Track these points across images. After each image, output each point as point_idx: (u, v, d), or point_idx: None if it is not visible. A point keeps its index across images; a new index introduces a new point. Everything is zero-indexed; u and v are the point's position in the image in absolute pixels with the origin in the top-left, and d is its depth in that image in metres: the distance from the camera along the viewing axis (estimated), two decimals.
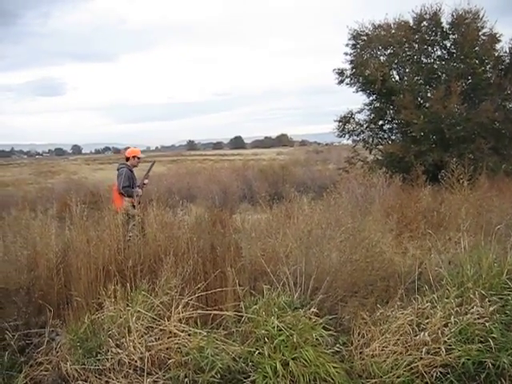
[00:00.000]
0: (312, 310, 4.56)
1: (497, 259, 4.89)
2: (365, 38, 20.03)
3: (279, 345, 4.29)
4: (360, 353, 4.47)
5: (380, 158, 19.87)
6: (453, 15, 19.12)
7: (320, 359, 4.23)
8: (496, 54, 18.94)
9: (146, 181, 9.28)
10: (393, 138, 20.42)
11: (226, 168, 28.20)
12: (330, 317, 4.84)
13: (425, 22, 19.54)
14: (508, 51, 18.99)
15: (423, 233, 5.92)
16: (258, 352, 4.28)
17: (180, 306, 4.62)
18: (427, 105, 18.29)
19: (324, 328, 4.60)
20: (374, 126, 20.22)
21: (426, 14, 19.45)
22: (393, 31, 19.59)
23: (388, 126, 20.50)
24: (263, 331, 4.38)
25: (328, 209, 11.25)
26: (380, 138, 20.55)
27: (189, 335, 4.43)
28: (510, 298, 4.53)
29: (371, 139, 20.23)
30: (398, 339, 4.46)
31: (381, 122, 20.32)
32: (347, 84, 20.08)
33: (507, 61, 19.06)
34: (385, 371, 4.26)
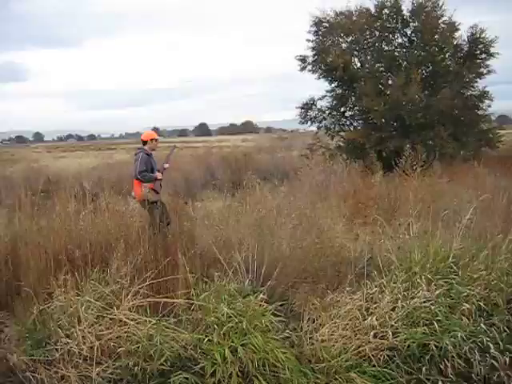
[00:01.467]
0: (261, 296, 4.57)
1: (443, 244, 4.98)
2: (327, 24, 20.05)
3: (228, 331, 4.30)
4: (310, 338, 4.51)
5: (342, 144, 20.00)
6: (413, 3, 19.30)
7: (269, 345, 4.26)
8: (455, 42, 19.18)
9: (166, 165, 8.72)
10: (355, 124, 20.55)
11: (188, 155, 27.91)
12: (281, 303, 4.87)
13: (386, 10, 19.64)
14: (467, 40, 19.25)
15: (375, 219, 5.99)
16: (207, 339, 4.28)
17: (130, 295, 4.59)
18: (388, 92, 18.43)
19: (274, 314, 4.64)
20: (335, 113, 20.33)
21: (386, 1, 19.55)
22: (354, 18, 19.65)
23: (350, 113, 20.61)
24: (213, 318, 4.38)
25: (282, 195, 11.36)
26: (342, 124, 20.65)
27: (138, 324, 4.40)
28: (454, 281, 4.62)
29: (333, 126, 20.32)
30: (347, 324, 4.52)
31: (343, 109, 20.42)
32: (309, 71, 20.09)
33: (466, 49, 19.32)
34: (333, 355, 4.32)
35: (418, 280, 4.60)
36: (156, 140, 8.64)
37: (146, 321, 4.42)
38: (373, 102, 17.74)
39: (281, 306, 4.90)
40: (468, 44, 19.26)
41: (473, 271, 4.64)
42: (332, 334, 4.48)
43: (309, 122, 20.35)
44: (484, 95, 19.44)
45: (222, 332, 4.28)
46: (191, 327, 4.54)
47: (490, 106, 19.56)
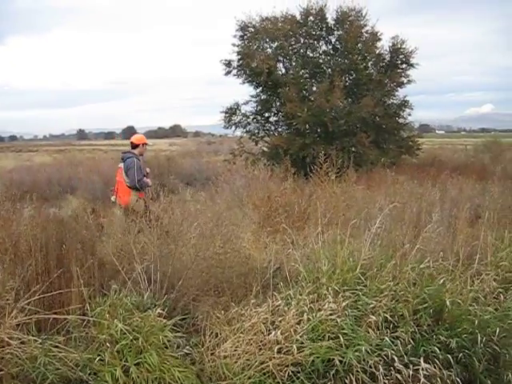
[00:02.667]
0: (159, 310, 4.27)
1: (351, 254, 4.86)
2: (252, 29, 20.01)
3: (122, 350, 3.98)
4: (211, 354, 4.25)
5: (266, 150, 19.96)
6: (337, 12, 19.62)
7: (166, 363, 3.97)
8: (377, 52, 19.62)
9: (148, 169, 8.36)
10: (279, 130, 20.56)
11: (110, 158, 27.17)
12: (182, 317, 4.59)
13: (311, 17, 19.86)
14: (388, 49, 19.72)
15: (285, 227, 5.83)
16: (98, 358, 3.94)
17: (15, 311, 4.17)
18: (312, 98, 18.55)
19: (175, 329, 4.35)
20: (260, 118, 20.30)
21: (312, 9, 19.75)
22: (280, 24, 19.70)
23: (274, 119, 20.66)
24: (105, 336, 4.04)
25: (202, 201, 11.11)
26: (267, 130, 20.66)
27: (22, 343, 4.00)
28: (361, 292, 4.48)
29: (257, 131, 20.26)
30: (252, 338, 4.28)
31: (267, 114, 20.44)
32: (234, 75, 19.99)
33: (388, 58, 19.80)
34: (236, 372, 4.07)
35: (325, 291, 4.44)
36: (146, 144, 8.28)
37: (30, 340, 4.02)
38: (296, 107, 17.81)
39: (183, 320, 4.62)
40: (389, 54, 19.75)
41: (380, 282, 4.53)
42: (235, 350, 4.23)
43: (233, 127, 20.19)
44: (404, 104, 20.00)
45: (115, 350, 3.95)
46: (83, 346, 4.18)
47: (410, 115, 20.17)
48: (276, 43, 19.66)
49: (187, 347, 4.26)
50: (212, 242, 5.13)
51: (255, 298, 4.68)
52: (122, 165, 7.89)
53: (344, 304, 4.32)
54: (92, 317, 4.26)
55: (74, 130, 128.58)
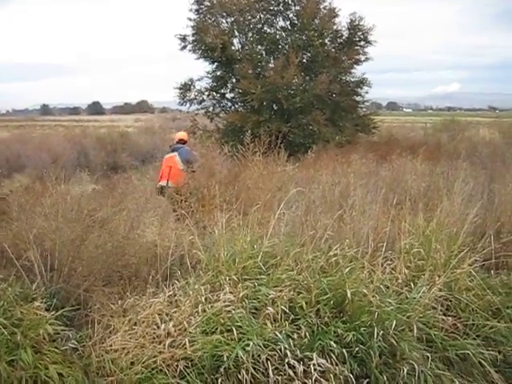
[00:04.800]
0: (37, 303, 3.97)
1: (256, 241, 4.62)
2: (208, 3, 19.47)
3: None
4: (100, 348, 3.99)
5: (221, 127, 19.60)
6: None
7: (44, 360, 3.70)
8: (334, 28, 19.31)
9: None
10: (236, 106, 20.19)
11: (62, 136, 26.47)
12: (73, 308, 4.30)
13: None
14: (346, 26, 19.43)
15: (193, 211, 5.58)
16: None
17: None
18: (267, 75, 18.18)
19: (65, 322, 4.08)
20: (215, 95, 19.88)
21: None
22: None
23: (231, 95, 20.25)
24: None
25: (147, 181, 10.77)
26: (223, 106, 20.28)
27: None
28: (263, 282, 4.25)
29: (212, 108, 19.87)
30: (145, 331, 4.04)
31: (223, 91, 20.01)
32: (189, 50, 19.44)
33: (345, 35, 19.52)
34: (123, 367, 3.83)
35: (224, 281, 4.20)
36: None
37: None
38: (250, 84, 17.43)
39: (76, 311, 4.33)
40: (347, 31, 19.48)
41: (282, 271, 4.31)
42: (126, 343, 3.98)
43: (188, 104, 19.73)
44: (362, 82, 19.79)
45: None
46: None
47: (367, 93, 19.93)
48: (231, 18, 19.17)
49: (72, 341, 3.99)
50: (116, 228, 4.84)
51: (155, 287, 4.43)
52: (172, 154, 9.39)
53: (242, 294, 4.10)
54: None
55: (38, 104, 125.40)
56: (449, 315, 4.40)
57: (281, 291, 4.15)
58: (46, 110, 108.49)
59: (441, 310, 4.35)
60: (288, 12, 19.73)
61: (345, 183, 7.73)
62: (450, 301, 4.51)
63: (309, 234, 4.64)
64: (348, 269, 4.32)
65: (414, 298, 4.25)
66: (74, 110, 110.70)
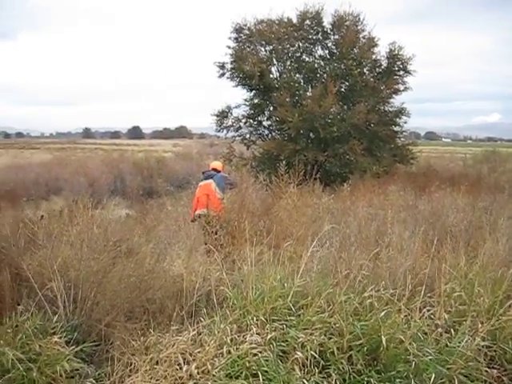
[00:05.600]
0: (55, 338, 3.82)
1: (286, 278, 4.39)
2: (247, 32, 19.61)
3: (13, 381, 3.55)
4: None
5: (258, 154, 19.53)
6: (334, 16, 19.20)
7: None
8: (373, 57, 19.16)
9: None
10: (273, 134, 20.13)
11: (99, 160, 26.75)
12: (94, 344, 4.14)
13: (308, 21, 19.43)
14: (385, 55, 19.26)
15: (223, 245, 5.41)
16: None
17: None
18: (304, 103, 18.09)
19: (84, 358, 3.92)
20: (252, 122, 19.86)
21: (308, 12, 19.32)
22: (275, 27, 19.29)
23: (268, 123, 20.21)
24: None
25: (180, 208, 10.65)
26: (259, 134, 20.24)
27: None
28: (293, 324, 4.01)
29: (249, 135, 19.86)
30: (167, 371, 3.84)
31: (260, 119, 19.98)
32: (227, 78, 19.55)
33: (384, 65, 19.34)
34: None
35: (250, 321, 3.98)
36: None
37: None
38: (287, 112, 17.36)
39: (97, 346, 4.17)
40: (386, 60, 19.29)
41: (313, 313, 4.05)
42: (147, 383, 3.79)
43: (224, 131, 19.76)
44: (401, 111, 19.51)
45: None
46: None
47: (406, 123, 19.64)
48: (270, 46, 19.23)
49: (91, 379, 3.82)
50: (142, 260, 4.69)
51: (179, 324, 4.24)
52: (208, 181, 9.04)
53: (269, 337, 3.86)
54: None
55: (80, 128, 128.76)
56: (493, 367, 4.06)
57: (311, 334, 3.90)
58: (87, 133, 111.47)
59: (484, 361, 4.01)
60: (327, 41, 19.72)
61: (381, 216, 7.46)
62: (495, 351, 4.17)
63: (343, 274, 4.39)
64: (383, 312, 4.04)
65: (455, 347, 3.92)
66: (115, 134, 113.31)
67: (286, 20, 19.59)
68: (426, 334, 4.07)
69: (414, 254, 5.18)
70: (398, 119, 19.66)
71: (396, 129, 19.81)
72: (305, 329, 3.97)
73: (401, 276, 4.64)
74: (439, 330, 4.14)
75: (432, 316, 4.38)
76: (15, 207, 13.04)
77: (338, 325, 4.00)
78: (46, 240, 4.94)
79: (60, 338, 3.91)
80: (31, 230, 5.45)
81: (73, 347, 3.93)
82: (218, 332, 3.95)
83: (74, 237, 4.87)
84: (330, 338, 3.92)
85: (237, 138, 20.14)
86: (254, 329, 3.91)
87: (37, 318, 4.06)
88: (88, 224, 4.95)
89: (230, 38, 19.66)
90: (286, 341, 3.93)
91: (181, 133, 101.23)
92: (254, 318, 4.01)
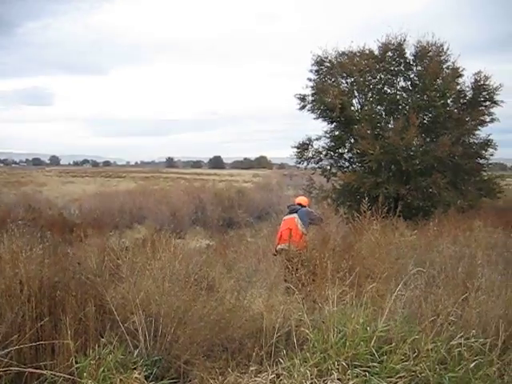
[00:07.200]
0: (135, 375, 3.84)
1: (367, 323, 4.24)
2: (328, 64, 19.65)
3: None
4: None
5: (338, 187, 19.36)
6: (416, 47, 18.87)
7: None
8: (458, 88, 18.65)
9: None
10: (353, 167, 19.93)
11: (180, 190, 27.39)
12: (170, 381, 4.14)
13: (389, 52, 19.20)
14: (471, 86, 18.70)
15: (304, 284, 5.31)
16: None
17: None
18: (386, 135, 17.82)
19: None
20: (333, 154, 19.76)
21: (390, 43, 19.13)
22: (356, 59, 19.23)
23: (348, 155, 20.04)
24: None
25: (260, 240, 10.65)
26: (340, 166, 20.09)
27: None
28: (375, 371, 3.86)
29: (329, 167, 19.75)
30: None
31: (340, 151, 19.85)
32: (308, 110, 19.59)
33: (469, 95, 18.78)
34: None
35: (332, 366, 3.86)
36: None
37: None
38: (368, 144, 17.13)
39: (175, 383, 4.18)
40: (471, 91, 18.72)
41: (397, 360, 3.88)
42: None
43: (305, 162, 19.75)
44: (487, 143, 18.82)
45: None
46: None
47: (492, 155, 18.91)
48: (351, 78, 19.16)
49: None
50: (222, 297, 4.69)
51: (258, 364, 4.18)
52: (292, 216, 9.06)
53: (351, 383, 3.73)
54: (71, 374, 3.91)
55: (164, 157, 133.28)
56: None
57: (395, 383, 3.74)
58: (170, 162, 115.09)
59: None
60: (409, 72, 19.37)
61: (468, 255, 7.15)
62: None
63: (429, 319, 4.20)
64: (473, 363, 3.82)
65: None
66: (197, 164, 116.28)
67: (367, 52, 19.46)
68: None
69: (506, 300, 4.89)
70: (483, 151, 18.96)
71: (482, 161, 19.09)
72: (388, 377, 3.81)
73: (492, 324, 4.38)
74: None
75: None
76: (101, 235, 13.50)
77: (423, 374, 3.81)
78: (129, 273, 5.03)
79: (140, 373, 3.94)
80: (115, 261, 5.58)
81: (152, 383, 3.96)
82: (298, 375, 3.86)
83: (156, 271, 4.94)
84: None
85: (317, 170, 20.10)
86: (335, 374, 3.80)
87: (119, 352, 4.12)
88: (170, 259, 5.01)
89: (310, 71, 19.76)
90: None
91: (260, 163, 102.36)
92: (336, 363, 3.89)
